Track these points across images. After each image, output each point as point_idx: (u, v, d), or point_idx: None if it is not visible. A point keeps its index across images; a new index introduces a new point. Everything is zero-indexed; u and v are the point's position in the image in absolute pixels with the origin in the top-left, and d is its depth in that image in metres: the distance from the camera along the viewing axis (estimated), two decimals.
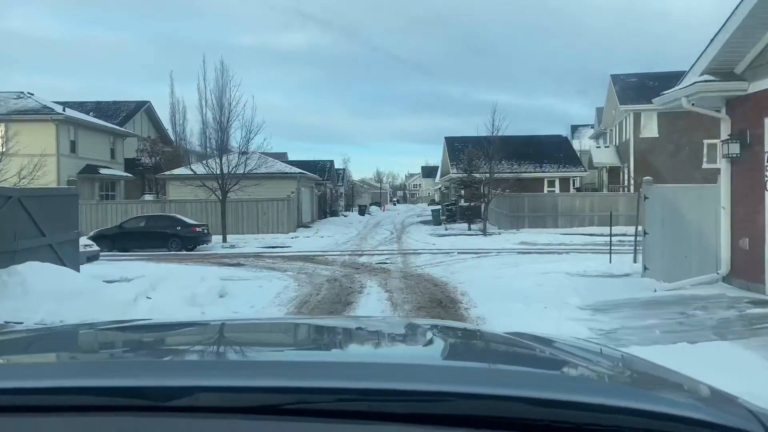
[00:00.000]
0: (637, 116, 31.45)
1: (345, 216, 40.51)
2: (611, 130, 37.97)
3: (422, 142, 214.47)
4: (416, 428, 0.88)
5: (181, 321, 2.79)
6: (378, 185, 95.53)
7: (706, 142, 30.37)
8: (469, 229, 27.76)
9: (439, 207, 35.04)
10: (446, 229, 28.16)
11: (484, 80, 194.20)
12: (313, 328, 1.90)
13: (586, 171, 33.70)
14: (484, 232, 24.67)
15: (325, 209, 38.91)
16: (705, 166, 30.37)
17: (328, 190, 42.62)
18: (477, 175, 26.64)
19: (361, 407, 0.91)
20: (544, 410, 0.92)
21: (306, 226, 29.19)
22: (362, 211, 47.17)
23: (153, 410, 0.89)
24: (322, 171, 41.73)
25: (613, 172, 35.41)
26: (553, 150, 34.05)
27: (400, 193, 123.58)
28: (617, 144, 36.24)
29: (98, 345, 1.60)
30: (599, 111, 51.54)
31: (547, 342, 1.63)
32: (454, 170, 32.53)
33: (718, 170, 10.86)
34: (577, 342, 1.72)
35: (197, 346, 1.59)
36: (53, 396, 0.92)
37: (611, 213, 16.31)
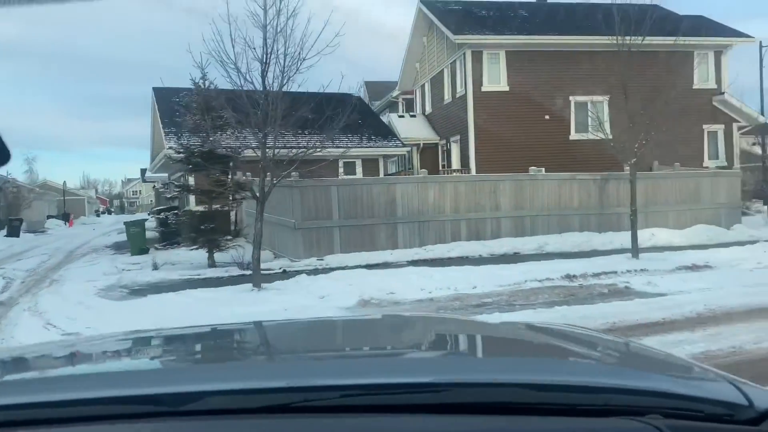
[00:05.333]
0: (477, 57, 19.58)
1: None
2: (417, 92, 25.94)
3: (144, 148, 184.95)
4: (415, 417, 0.91)
5: (185, 328, 2.41)
6: (81, 192, 72.22)
7: (573, 99, 19.96)
8: (212, 263, 12.35)
9: (142, 219, 18.64)
10: (155, 267, 12.28)
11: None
12: (312, 329, 1.91)
13: (404, 147, 20.76)
14: (254, 277, 9.48)
15: None
16: (574, 136, 20.03)
17: None
18: (235, 147, 11.52)
19: (364, 401, 0.94)
20: (537, 394, 0.95)
21: None
22: (16, 229, 27.60)
23: (167, 415, 0.91)
24: None
25: (428, 152, 23.30)
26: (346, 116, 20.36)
27: (117, 202, 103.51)
28: (429, 111, 24.30)
29: (109, 356, 1.58)
30: (369, 85, 40.22)
31: (539, 329, 1.71)
32: (172, 143, 16.56)
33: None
34: (567, 328, 1.74)
35: (204, 352, 1.64)
36: (69, 408, 0.93)
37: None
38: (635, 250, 11.64)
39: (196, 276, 11.38)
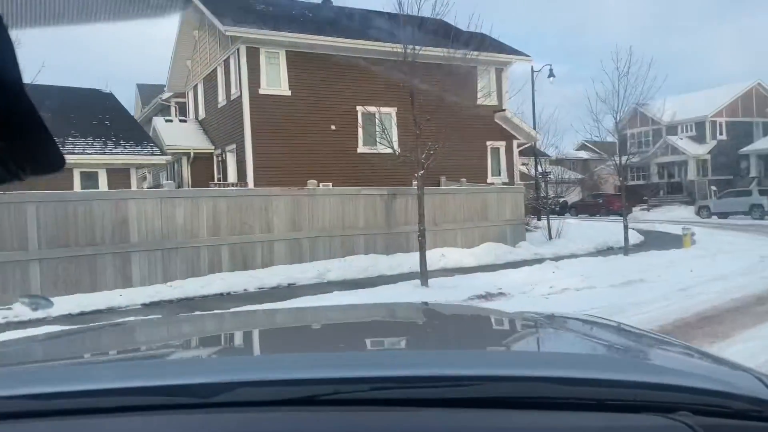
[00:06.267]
0: (253, 54, 16.98)
1: None
2: (190, 94, 22.52)
3: None
4: (442, 412, 0.89)
5: (214, 313, 2.63)
6: None
7: (361, 108, 18.32)
8: None
9: None
10: None
11: None
12: (341, 315, 1.92)
13: (164, 155, 17.16)
14: None
15: None
16: (363, 149, 18.36)
17: None
18: None
19: (394, 395, 0.92)
20: (565, 388, 0.93)
21: None
22: None
23: (198, 407, 0.88)
24: None
25: (201, 163, 20.05)
26: (90, 116, 16.35)
27: None
28: (203, 116, 21.08)
29: (138, 343, 1.56)
30: (142, 88, 35.53)
31: (563, 321, 1.68)
32: None
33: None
34: (591, 319, 1.74)
35: (234, 340, 1.59)
36: (95, 398, 0.90)
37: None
38: (425, 277, 9.96)
39: None
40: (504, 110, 20.97)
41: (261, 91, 17.03)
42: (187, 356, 1.36)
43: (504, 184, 19.51)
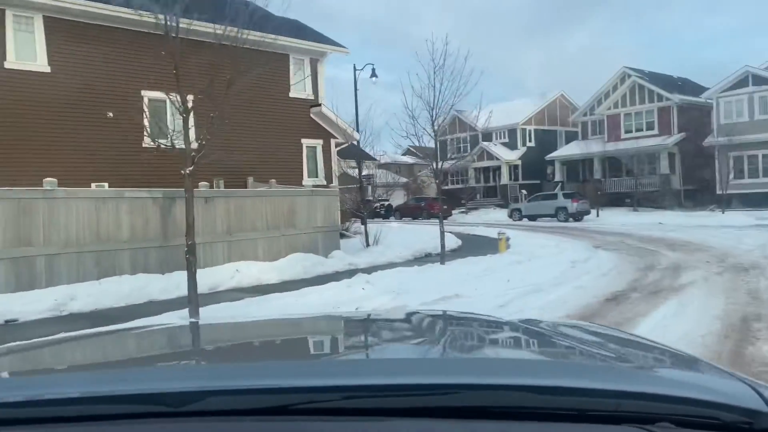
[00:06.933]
0: None
1: None
2: None
3: None
4: (422, 422, 0.87)
5: (186, 324, 2.55)
6: None
7: (147, 95, 15.26)
8: None
9: None
10: None
11: None
12: (317, 325, 1.86)
13: None
14: None
15: None
16: (148, 143, 15.33)
17: None
18: None
19: (367, 404, 0.90)
20: (543, 398, 0.90)
21: None
22: None
23: (165, 416, 0.86)
24: None
25: None
26: None
27: None
28: None
29: (105, 352, 1.52)
30: None
31: (544, 326, 1.61)
32: None
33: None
34: (571, 323, 1.71)
35: (205, 349, 1.55)
36: (61, 407, 0.87)
37: None
38: (194, 307, 7.64)
39: None
40: (320, 105, 19.21)
41: (8, 65, 13.33)
42: (156, 365, 1.28)
43: (317, 186, 17.70)
